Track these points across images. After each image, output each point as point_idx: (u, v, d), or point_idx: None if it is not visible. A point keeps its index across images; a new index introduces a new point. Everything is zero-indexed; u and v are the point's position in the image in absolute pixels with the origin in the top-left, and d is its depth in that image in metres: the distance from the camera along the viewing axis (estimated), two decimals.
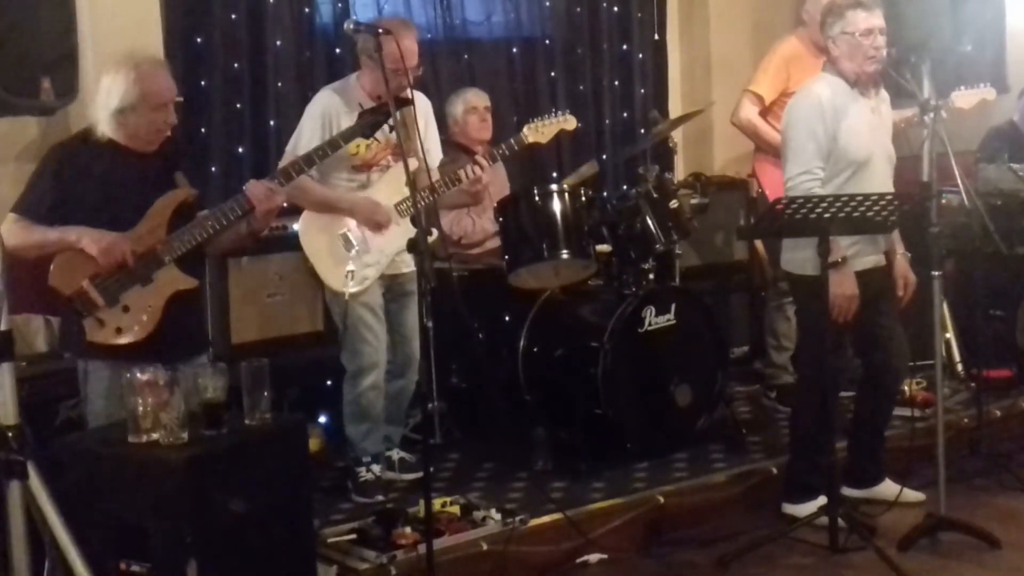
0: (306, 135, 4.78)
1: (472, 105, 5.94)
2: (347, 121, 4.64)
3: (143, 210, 3.99)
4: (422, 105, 4.98)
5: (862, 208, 4.28)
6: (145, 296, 3.95)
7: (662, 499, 4.81)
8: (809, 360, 4.81)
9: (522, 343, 5.44)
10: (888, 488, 4.91)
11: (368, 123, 4.33)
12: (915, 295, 4.80)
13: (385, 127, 4.32)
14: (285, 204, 5.08)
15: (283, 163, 4.57)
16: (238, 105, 5.83)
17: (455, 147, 5.78)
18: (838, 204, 4.27)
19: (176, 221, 4.02)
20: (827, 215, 4.27)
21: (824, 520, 4.50)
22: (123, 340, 3.92)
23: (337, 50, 6.08)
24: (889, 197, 4.38)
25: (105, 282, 3.91)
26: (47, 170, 4.02)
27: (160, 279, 3.98)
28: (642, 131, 6.97)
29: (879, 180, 4.63)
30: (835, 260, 4.47)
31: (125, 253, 3.89)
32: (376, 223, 4.87)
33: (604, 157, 7.01)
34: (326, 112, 4.81)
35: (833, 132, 4.54)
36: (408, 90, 4.36)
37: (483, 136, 5.86)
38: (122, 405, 3.84)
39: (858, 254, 4.62)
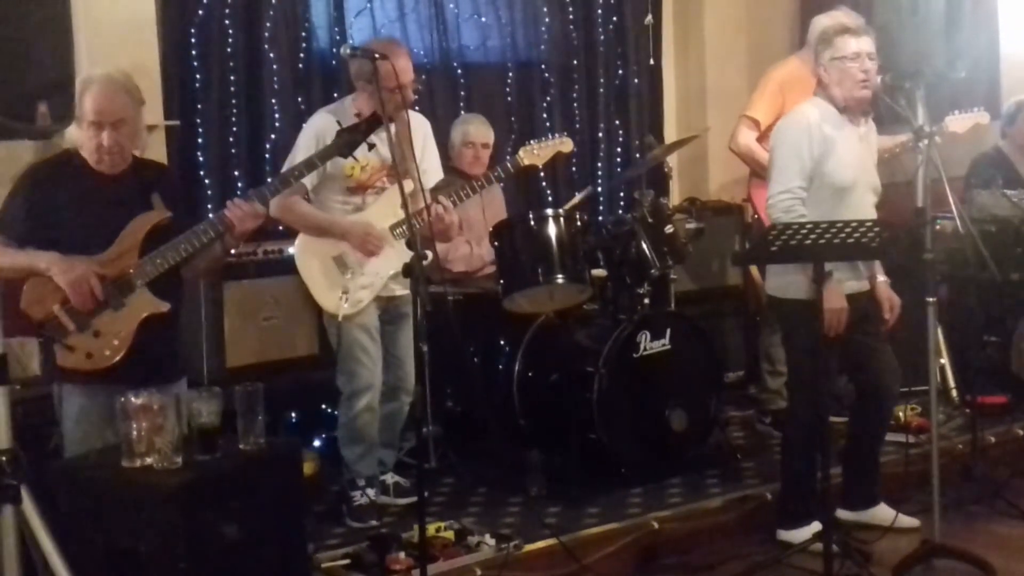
0: (300, 157, 4.75)
1: (470, 140, 5.93)
2: None
3: (116, 231, 3.92)
4: (420, 126, 4.99)
5: (856, 234, 4.28)
6: (116, 321, 3.89)
7: (656, 524, 4.80)
8: (799, 385, 4.81)
9: (517, 367, 5.45)
10: (883, 512, 4.91)
11: (345, 142, 4.23)
12: (901, 317, 4.80)
13: (364, 146, 4.30)
14: (281, 227, 5.13)
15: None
16: (234, 130, 5.86)
17: (453, 171, 5.77)
18: (832, 230, 4.27)
19: (149, 244, 3.94)
20: (821, 241, 4.27)
21: (819, 546, 4.48)
22: (93, 366, 3.87)
23: (333, 73, 6.09)
24: (882, 224, 4.38)
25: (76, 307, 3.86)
26: (20, 190, 3.95)
27: (132, 303, 3.90)
28: (637, 156, 7.00)
29: (862, 209, 4.64)
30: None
31: (94, 288, 3.82)
32: (368, 250, 4.86)
33: (599, 182, 7.02)
34: (320, 134, 4.79)
35: (819, 156, 4.56)
36: (404, 111, 4.32)
37: (474, 171, 5.81)
38: (96, 431, 3.86)
39: (839, 281, 4.61)
